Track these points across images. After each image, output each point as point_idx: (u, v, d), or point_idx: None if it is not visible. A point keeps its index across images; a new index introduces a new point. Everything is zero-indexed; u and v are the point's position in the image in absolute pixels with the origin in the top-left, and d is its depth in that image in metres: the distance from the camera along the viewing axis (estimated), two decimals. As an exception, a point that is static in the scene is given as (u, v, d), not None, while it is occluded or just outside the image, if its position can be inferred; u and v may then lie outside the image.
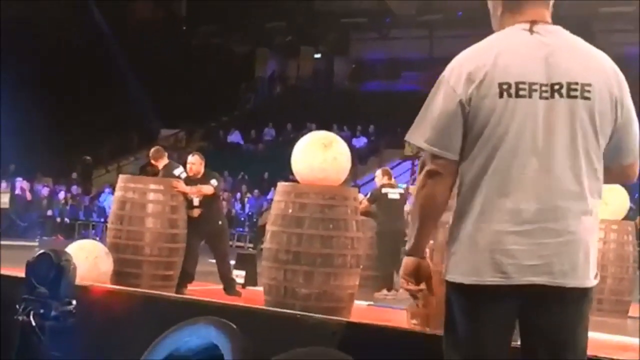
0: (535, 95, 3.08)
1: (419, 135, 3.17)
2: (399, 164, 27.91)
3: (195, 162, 11.00)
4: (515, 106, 3.07)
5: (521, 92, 3.07)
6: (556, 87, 3.08)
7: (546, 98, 3.08)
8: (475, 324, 3.12)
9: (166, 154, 11.52)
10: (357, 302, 9.24)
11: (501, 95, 3.07)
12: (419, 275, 3.23)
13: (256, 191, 27.22)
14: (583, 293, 3.12)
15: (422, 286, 3.24)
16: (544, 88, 3.08)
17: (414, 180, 19.36)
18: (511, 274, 3.05)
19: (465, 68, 3.12)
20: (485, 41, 3.21)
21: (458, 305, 3.16)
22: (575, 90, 3.08)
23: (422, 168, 3.18)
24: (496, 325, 3.13)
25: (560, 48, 3.14)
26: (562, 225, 3.07)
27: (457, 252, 3.15)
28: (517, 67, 3.09)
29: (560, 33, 3.20)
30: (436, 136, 3.12)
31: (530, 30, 3.16)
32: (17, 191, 24.27)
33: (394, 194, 12.84)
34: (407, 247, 3.24)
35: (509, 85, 3.07)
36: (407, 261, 3.23)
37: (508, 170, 3.08)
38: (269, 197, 25.51)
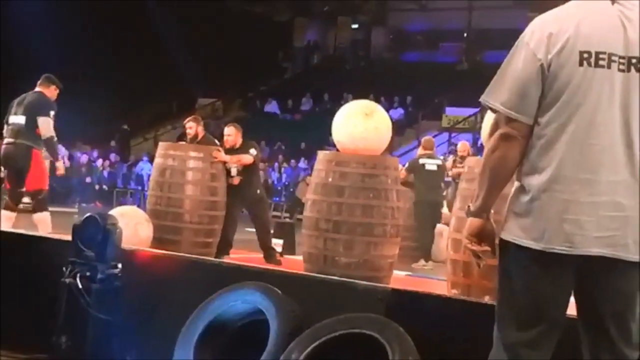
0: (614, 66, 3.09)
1: (495, 96, 3.17)
2: (436, 135, 27.77)
3: (231, 134, 10.92)
4: (593, 76, 3.08)
5: (600, 62, 3.08)
6: (633, 60, 3.09)
7: (623, 71, 3.08)
8: (537, 288, 3.15)
9: (202, 123, 11.42)
10: (395, 272, 9.25)
11: (581, 64, 3.08)
12: (482, 236, 3.25)
13: (293, 161, 27.25)
14: None
15: (485, 247, 3.26)
16: (621, 60, 3.08)
17: (451, 152, 19.21)
18: (577, 244, 3.08)
19: (547, 31, 3.12)
20: (566, 6, 3.20)
21: (518, 267, 3.18)
22: None
23: (494, 130, 3.19)
24: (556, 289, 3.16)
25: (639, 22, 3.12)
26: (633, 200, 3.09)
27: (524, 215, 3.16)
28: (599, 36, 3.09)
29: None
30: (513, 99, 3.13)
31: (612, 1, 3.15)
32: (57, 158, 24.42)
33: (431, 164, 12.80)
34: (473, 207, 3.24)
35: (590, 54, 3.08)
36: (472, 222, 3.25)
37: (583, 140, 3.09)
38: (301, 166, 25.57)
